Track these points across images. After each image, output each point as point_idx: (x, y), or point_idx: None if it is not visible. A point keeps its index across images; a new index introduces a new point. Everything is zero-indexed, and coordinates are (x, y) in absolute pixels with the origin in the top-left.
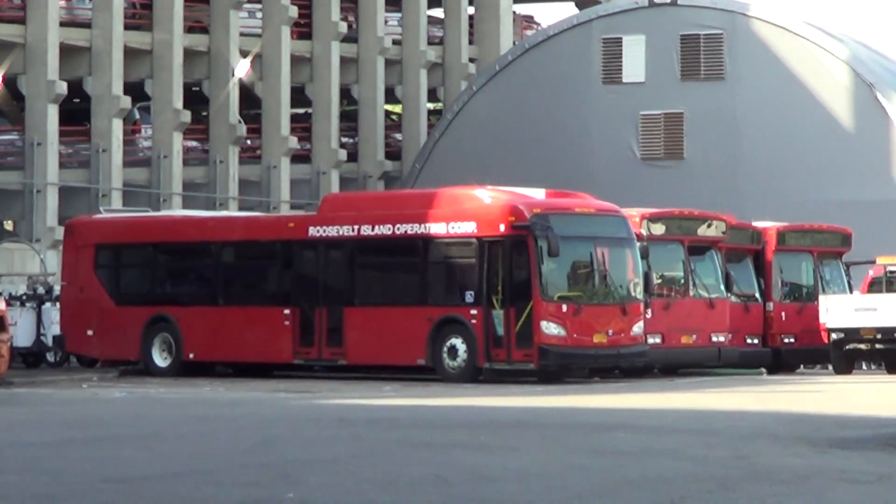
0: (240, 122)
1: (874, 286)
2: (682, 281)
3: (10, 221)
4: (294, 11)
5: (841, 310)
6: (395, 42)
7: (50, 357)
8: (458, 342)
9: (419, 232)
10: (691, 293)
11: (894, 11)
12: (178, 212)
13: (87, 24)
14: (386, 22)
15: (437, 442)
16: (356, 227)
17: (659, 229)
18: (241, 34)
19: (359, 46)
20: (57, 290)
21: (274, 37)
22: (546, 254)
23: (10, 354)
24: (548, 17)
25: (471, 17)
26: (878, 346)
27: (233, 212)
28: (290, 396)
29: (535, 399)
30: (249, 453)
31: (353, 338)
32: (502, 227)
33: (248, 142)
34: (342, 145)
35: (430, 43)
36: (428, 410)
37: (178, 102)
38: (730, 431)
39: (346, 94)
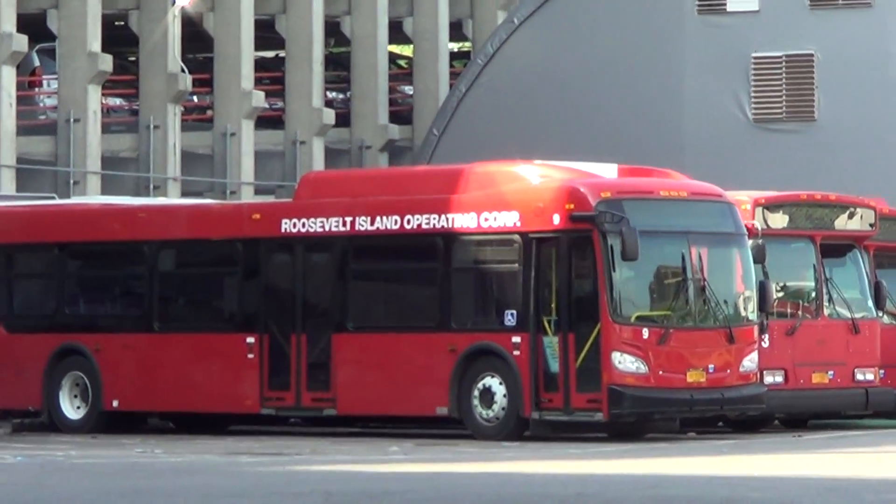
0: (183, 70)
1: None
2: (814, 294)
3: None
4: None
5: None
6: None
7: None
8: (494, 383)
9: (438, 226)
10: (826, 312)
11: None
12: (95, 199)
13: None
14: None
15: None
16: (349, 219)
17: (780, 221)
18: None
19: None
20: None
21: None
22: (619, 256)
23: None
24: None
25: None
26: None
27: (173, 199)
28: (255, 461)
29: (604, 463)
30: None
31: (346, 377)
32: (557, 219)
33: (195, 99)
34: (328, 103)
35: None
36: (452, 480)
37: (96, 43)
38: None
39: (333, 29)
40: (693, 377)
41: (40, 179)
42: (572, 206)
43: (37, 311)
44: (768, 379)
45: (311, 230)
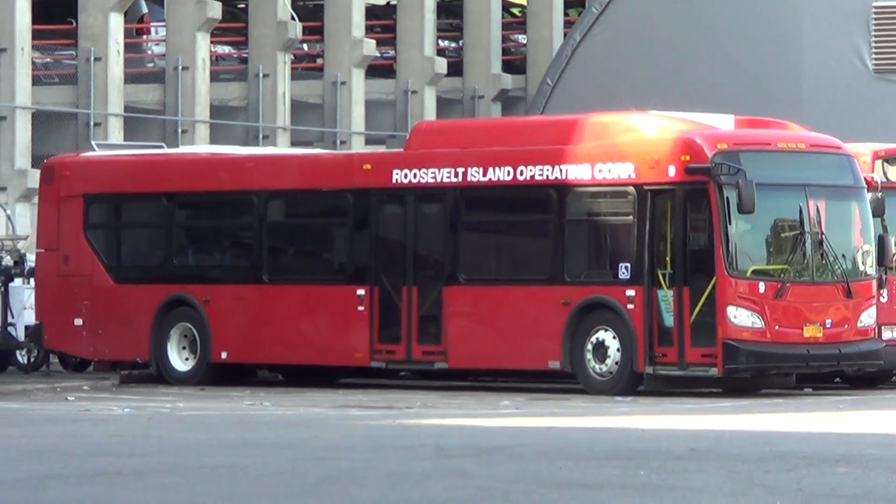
0: (293, 18)
1: None
2: None
3: None
4: None
5: None
6: None
7: (21, 357)
8: (607, 336)
9: (551, 177)
10: None
11: None
12: (203, 148)
13: None
14: None
15: (576, 480)
16: (460, 170)
17: None
18: None
19: None
20: (31, 260)
21: None
22: (736, 209)
23: None
24: None
25: None
26: None
27: (282, 148)
28: (365, 414)
29: (718, 419)
30: (308, 496)
31: (457, 330)
32: (672, 171)
33: (305, 47)
34: (440, 52)
35: None
36: (563, 435)
37: None
38: None
39: None
40: (810, 332)
41: (148, 128)
42: (688, 157)
43: (145, 261)
44: (886, 334)
45: (423, 181)
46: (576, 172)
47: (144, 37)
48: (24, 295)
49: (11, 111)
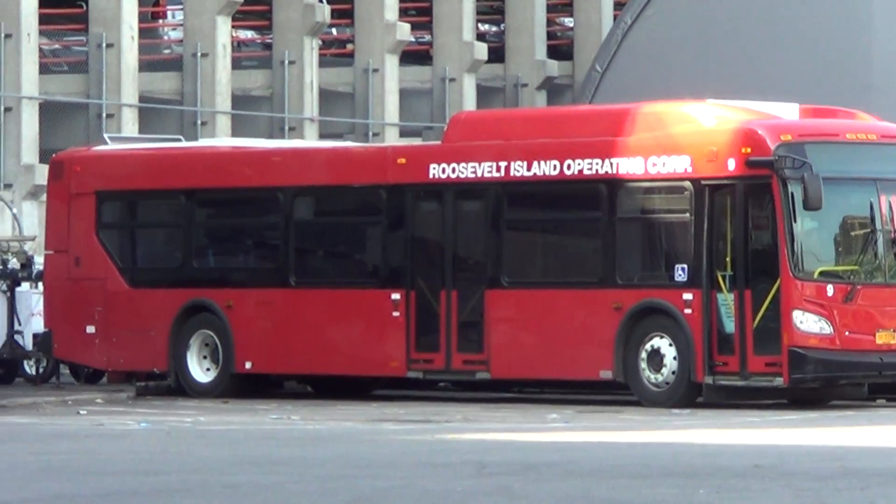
0: (320, 0)
1: None
2: None
3: None
4: None
5: None
6: None
7: (29, 368)
8: (663, 344)
9: (601, 172)
10: None
11: None
12: (225, 141)
13: None
14: None
15: (630, 500)
16: (503, 163)
17: None
18: None
19: None
20: (39, 263)
21: None
22: (801, 205)
23: None
24: None
25: None
26: None
27: (310, 141)
28: (401, 429)
29: (783, 432)
30: None
31: (500, 337)
32: (732, 165)
33: (334, 31)
34: (480, 36)
35: None
36: (616, 450)
37: None
38: None
39: None
40: (883, 339)
41: (165, 120)
42: (749, 150)
43: (162, 264)
44: None
45: (462, 176)
46: (627, 166)
47: (160, 21)
48: (31, 300)
49: (17, 102)
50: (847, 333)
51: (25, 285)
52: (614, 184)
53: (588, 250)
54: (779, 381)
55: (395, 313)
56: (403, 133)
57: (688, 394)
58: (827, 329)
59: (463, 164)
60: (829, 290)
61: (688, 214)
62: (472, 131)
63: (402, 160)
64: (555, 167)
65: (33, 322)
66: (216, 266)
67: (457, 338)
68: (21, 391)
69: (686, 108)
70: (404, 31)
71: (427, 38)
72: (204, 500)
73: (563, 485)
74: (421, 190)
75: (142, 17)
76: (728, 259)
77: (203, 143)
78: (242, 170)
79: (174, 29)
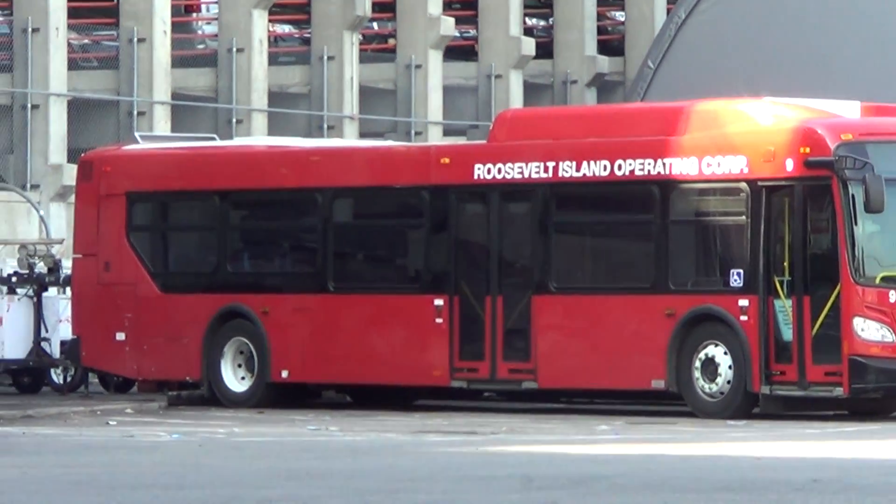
0: None
1: None
2: None
3: None
4: None
5: None
6: None
7: (56, 376)
8: (718, 352)
9: (653, 172)
10: None
11: None
12: (261, 140)
13: None
14: None
15: None
16: (551, 164)
17: None
18: None
19: None
20: (67, 267)
21: None
22: (863, 207)
23: None
24: None
25: None
26: None
27: (350, 140)
28: (445, 441)
29: (844, 445)
30: None
31: (548, 345)
32: (790, 165)
33: (375, 25)
34: (527, 31)
35: None
36: (668, 464)
37: None
38: None
39: None
40: None
41: (198, 118)
42: (808, 149)
43: (195, 268)
44: None
45: (508, 176)
46: (681, 167)
47: (194, 15)
48: (59, 306)
49: (45, 99)
50: None
51: (53, 290)
52: (667, 185)
53: (639, 254)
54: (839, 392)
55: (439, 320)
56: (447, 132)
57: (743, 404)
58: (889, 337)
59: (509, 165)
60: (892, 296)
61: (744, 217)
62: (519, 130)
63: (446, 160)
64: (605, 167)
65: (61, 329)
66: (252, 270)
67: (502, 346)
68: (48, 401)
69: (742, 106)
70: (448, 26)
71: (472, 32)
72: None
73: (613, 499)
74: (465, 191)
75: (175, 11)
76: (786, 264)
77: (238, 142)
78: (279, 170)
79: (208, 23)
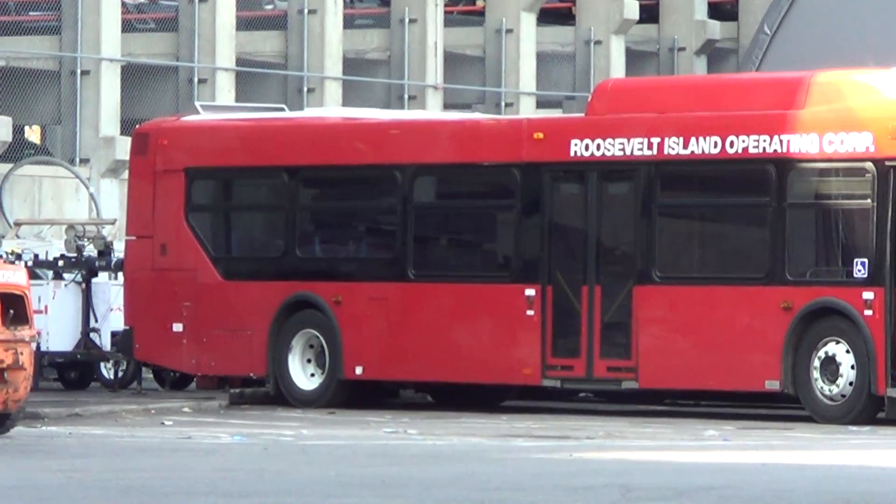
0: None
1: None
2: None
3: (35, 127)
4: None
5: None
6: None
7: (106, 371)
8: (839, 350)
9: (769, 150)
10: None
11: None
12: (335, 111)
13: None
14: None
15: None
16: (655, 140)
17: None
18: None
19: None
20: (119, 250)
21: None
22: None
23: (37, 366)
24: None
25: None
26: None
27: (433, 112)
28: (535, 446)
29: None
30: None
31: (650, 341)
32: None
33: None
34: None
35: None
36: (782, 474)
37: None
38: None
39: None
40: None
41: (266, 86)
42: None
43: (261, 252)
44: None
45: (608, 154)
46: (800, 144)
47: None
48: (110, 293)
49: (96, 64)
50: None
51: (103, 276)
52: (784, 164)
53: (753, 241)
54: None
55: (530, 312)
56: (540, 103)
57: (867, 408)
58: None
59: (609, 141)
60: None
61: (869, 200)
62: (621, 102)
63: (539, 135)
64: (715, 144)
65: (112, 318)
66: (323, 256)
67: (600, 341)
68: (97, 398)
69: (868, 78)
70: None
71: None
72: None
73: None
74: (560, 170)
75: None
76: None
77: (310, 113)
78: (355, 145)
79: None
